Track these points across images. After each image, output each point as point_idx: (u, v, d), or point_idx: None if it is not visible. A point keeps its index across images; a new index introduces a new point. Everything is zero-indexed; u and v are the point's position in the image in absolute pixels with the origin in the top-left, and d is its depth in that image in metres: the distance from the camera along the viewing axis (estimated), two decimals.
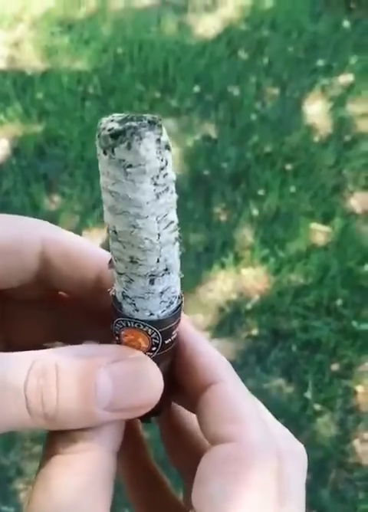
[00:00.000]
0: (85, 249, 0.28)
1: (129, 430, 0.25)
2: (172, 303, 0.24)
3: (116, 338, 0.25)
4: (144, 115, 0.20)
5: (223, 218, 1.77)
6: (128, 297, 0.24)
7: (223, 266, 1.64)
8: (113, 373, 0.23)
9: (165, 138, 0.20)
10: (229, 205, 1.80)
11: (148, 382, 0.24)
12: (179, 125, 2.03)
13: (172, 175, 0.21)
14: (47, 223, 0.28)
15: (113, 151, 0.20)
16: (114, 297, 0.25)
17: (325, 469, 1.29)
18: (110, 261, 0.24)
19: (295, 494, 0.23)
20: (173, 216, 0.22)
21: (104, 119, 0.20)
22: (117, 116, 0.20)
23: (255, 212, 1.77)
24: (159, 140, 0.20)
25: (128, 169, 0.20)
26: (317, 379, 1.44)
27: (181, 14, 2.48)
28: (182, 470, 0.30)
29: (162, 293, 0.24)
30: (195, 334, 0.27)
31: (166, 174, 0.21)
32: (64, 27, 2.40)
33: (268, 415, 0.26)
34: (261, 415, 0.25)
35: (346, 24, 2.44)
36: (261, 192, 1.82)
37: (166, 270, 0.23)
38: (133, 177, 0.20)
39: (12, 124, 2.02)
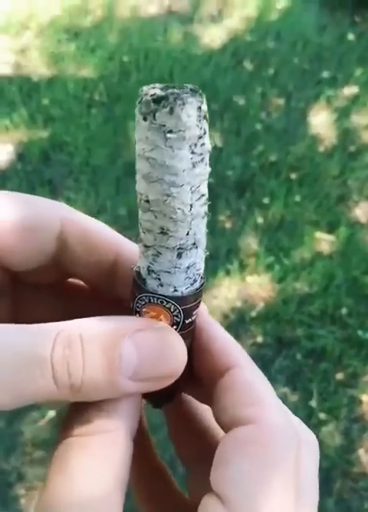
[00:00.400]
0: (103, 231, 0.27)
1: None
2: (195, 281, 0.24)
3: (137, 316, 0.25)
4: (185, 85, 0.21)
5: (228, 225, 1.76)
6: (153, 271, 0.24)
7: (228, 273, 1.63)
8: (137, 343, 0.22)
9: (205, 107, 0.21)
10: (234, 212, 1.80)
11: (173, 351, 0.23)
12: None
13: (208, 146, 0.22)
14: (64, 204, 0.27)
15: (154, 116, 0.20)
16: (138, 272, 0.25)
17: (330, 478, 1.27)
18: (137, 235, 0.24)
19: (311, 484, 0.23)
20: (205, 189, 0.23)
21: (145, 87, 0.21)
22: (159, 85, 0.21)
23: (260, 220, 1.77)
24: (199, 108, 0.20)
25: (168, 135, 0.20)
26: (321, 388, 1.43)
27: (187, 24, 2.50)
28: (188, 461, 0.29)
29: (188, 268, 0.24)
30: (211, 320, 0.27)
31: (204, 144, 0.21)
32: (70, 34, 2.42)
33: (283, 405, 0.26)
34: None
35: (350, 36, 2.46)
36: (265, 201, 1.82)
37: (194, 244, 0.23)
38: (172, 143, 0.20)
39: (18, 130, 2.03)
